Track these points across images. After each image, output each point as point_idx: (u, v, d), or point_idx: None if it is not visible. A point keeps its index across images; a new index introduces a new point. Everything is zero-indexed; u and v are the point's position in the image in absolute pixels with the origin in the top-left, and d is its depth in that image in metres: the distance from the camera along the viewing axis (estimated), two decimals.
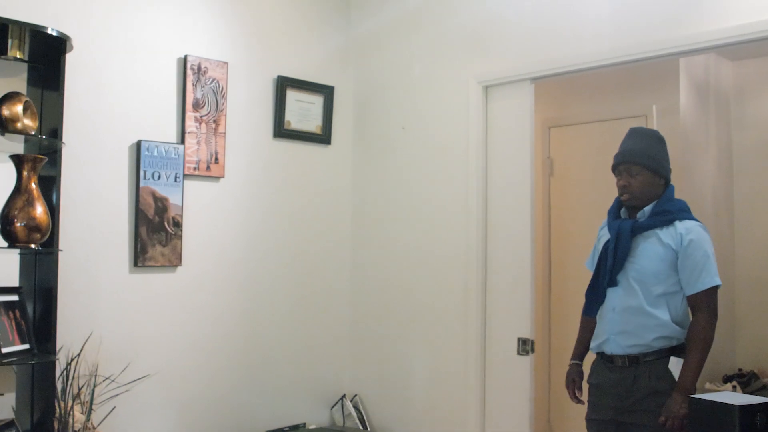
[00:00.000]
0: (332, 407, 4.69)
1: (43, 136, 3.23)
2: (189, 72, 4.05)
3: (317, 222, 4.69)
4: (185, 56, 4.05)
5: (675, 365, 3.13)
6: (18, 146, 3.26)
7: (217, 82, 4.16)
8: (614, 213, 3.44)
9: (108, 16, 3.78)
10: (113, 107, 3.79)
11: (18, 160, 3.12)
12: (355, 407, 4.64)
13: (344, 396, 4.68)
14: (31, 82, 3.39)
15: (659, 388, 3.14)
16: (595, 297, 3.41)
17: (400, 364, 4.51)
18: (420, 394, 4.40)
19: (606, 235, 3.40)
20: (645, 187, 3.29)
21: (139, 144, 3.84)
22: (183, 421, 4.00)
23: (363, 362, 4.75)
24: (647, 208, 3.31)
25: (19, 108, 3.10)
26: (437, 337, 4.31)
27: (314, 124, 4.67)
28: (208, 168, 4.12)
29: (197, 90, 4.08)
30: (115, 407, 3.65)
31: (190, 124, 4.05)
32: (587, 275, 3.50)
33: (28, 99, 3.16)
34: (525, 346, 3.88)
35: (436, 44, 4.43)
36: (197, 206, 4.09)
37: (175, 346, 3.98)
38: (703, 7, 3.32)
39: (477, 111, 4.15)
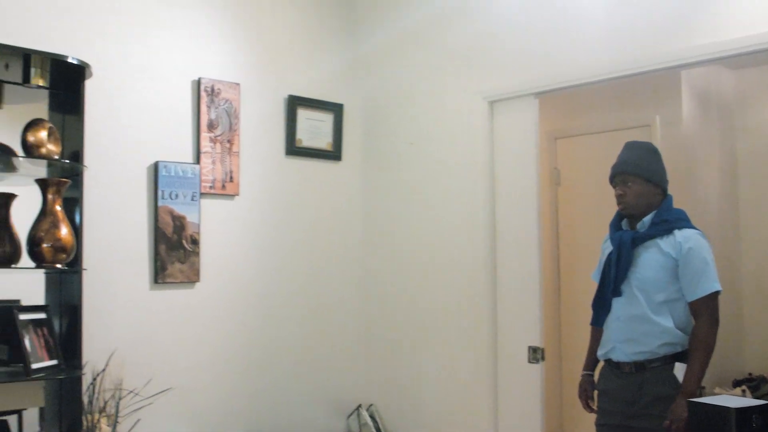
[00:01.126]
0: (348, 417, 4.77)
1: (66, 161, 3.35)
2: (203, 94, 4.17)
3: (329, 236, 4.79)
4: (199, 79, 4.17)
5: (680, 370, 3.21)
6: (41, 170, 3.36)
7: (230, 102, 4.28)
8: (615, 225, 3.54)
9: (124, 42, 3.91)
10: (131, 130, 3.92)
11: (43, 184, 3.24)
12: (371, 416, 4.71)
13: (360, 406, 4.76)
14: (53, 107, 3.50)
15: (664, 393, 3.21)
16: (601, 307, 3.49)
17: (413, 374, 4.60)
18: (433, 402, 4.48)
19: (609, 248, 3.48)
20: (641, 196, 3.38)
21: (156, 165, 3.96)
22: (204, 431, 4.10)
23: (377, 372, 4.84)
24: (646, 219, 3.39)
25: (43, 134, 3.21)
26: (449, 347, 4.40)
27: (325, 141, 4.77)
28: (223, 186, 4.24)
29: (211, 111, 4.20)
30: (139, 420, 3.74)
31: (205, 144, 4.17)
32: (596, 282, 3.60)
33: (51, 125, 3.27)
34: (535, 354, 3.95)
35: (442, 61, 4.52)
36: (214, 224, 4.19)
37: (195, 359, 4.09)
38: (703, 20, 3.39)
39: (483, 125, 4.24)
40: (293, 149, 4.60)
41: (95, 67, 3.49)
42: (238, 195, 4.31)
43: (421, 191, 4.60)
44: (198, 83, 4.17)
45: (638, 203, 3.39)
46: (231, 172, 4.27)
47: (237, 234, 4.33)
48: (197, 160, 4.14)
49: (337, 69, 4.92)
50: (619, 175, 3.44)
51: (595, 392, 3.56)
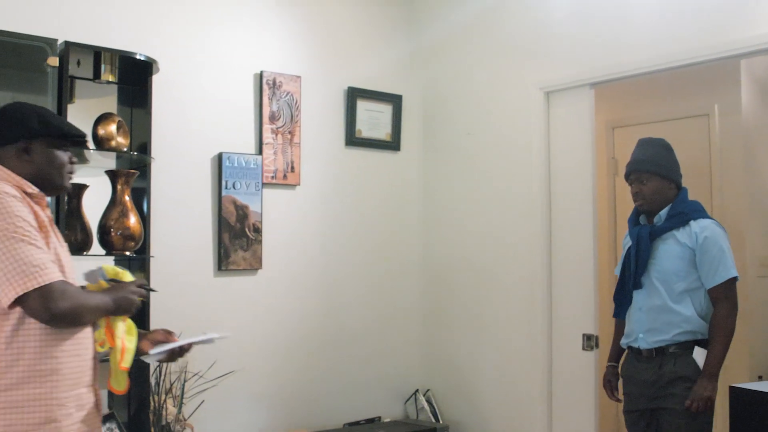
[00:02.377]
0: (406, 401, 4.85)
1: (134, 153, 3.50)
2: (265, 86, 4.28)
3: (388, 224, 4.86)
4: (261, 72, 4.28)
5: (699, 355, 3.29)
6: (111, 161, 3.51)
7: (291, 95, 4.39)
8: (633, 221, 3.63)
9: (189, 38, 4.04)
10: (196, 122, 4.05)
11: (113, 175, 3.40)
12: (428, 401, 4.78)
13: (417, 390, 4.83)
14: (121, 101, 3.66)
15: (683, 373, 3.31)
16: (622, 300, 3.60)
17: (470, 360, 4.66)
18: (489, 388, 4.54)
19: (629, 243, 3.59)
20: (656, 192, 3.49)
21: (220, 156, 4.09)
22: (266, 413, 4.23)
23: (435, 358, 4.91)
24: (663, 212, 3.49)
25: (113, 127, 3.37)
26: (505, 333, 4.45)
27: (384, 132, 4.85)
28: (284, 176, 4.34)
29: (273, 103, 4.31)
30: (203, 401, 3.88)
31: (267, 136, 4.28)
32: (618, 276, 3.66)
33: (120, 119, 3.43)
34: (589, 341, 3.99)
35: (498, 52, 4.55)
36: (275, 213, 4.30)
37: (257, 343, 4.21)
38: (764, 8, 3.36)
39: (539, 116, 4.27)
40: (353, 140, 4.69)
41: (161, 63, 3.63)
42: (299, 185, 4.42)
43: (478, 180, 4.65)
44: (260, 76, 4.28)
45: (655, 199, 3.49)
46: (292, 162, 4.38)
47: (298, 223, 4.43)
48: (260, 151, 4.26)
49: (396, 60, 4.98)
50: (634, 173, 3.54)
51: (620, 382, 3.65)
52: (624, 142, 5.19)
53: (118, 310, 2.30)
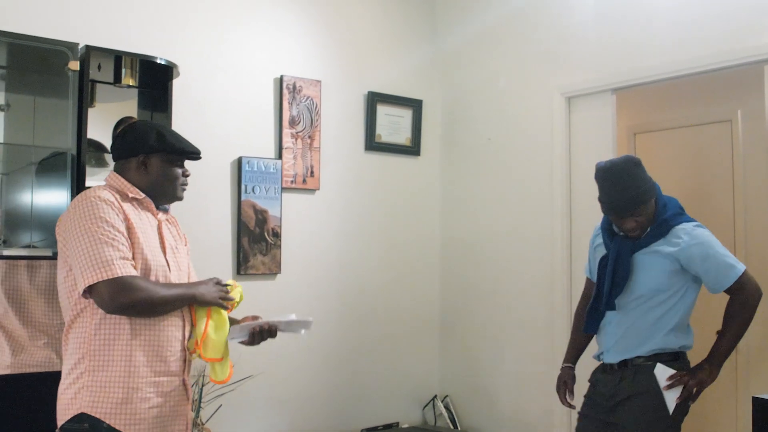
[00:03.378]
0: (424, 407, 4.84)
1: None
2: (285, 91, 4.28)
3: (408, 230, 4.86)
4: (281, 76, 4.28)
5: (661, 372, 3.08)
6: None
7: (311, 99, 4.38)
8: (609, 230, 3.28)
9: (209, 42, 4.04)
10: (215, 126, 4.05)
11: None
12: (446, 407, 4.77)
13: (435, 396, 4.83)
14: (141, 105, 3.66)
15: (639, 389, 3.10)
16: (595, 317, 3.30)
17: (490, 366, 4.65)
18: (508, 395, 4.52)
19: (602, 249, 3.27)
20: (649, 216, 3.12)
21: (240, 160, 4.09)
22: (284, 418, 4.23)
23: (453, 364, 4.89)
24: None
25: None
26: (525, 339, 4.44)
27: (404, 137, 4.84)
28: (304, 181, 4.34)
29: (293, 108, 4.30)
30: (221, 405, 3.88)
31: (287, 140, 4.28)
32: (589, 277, 3.49)
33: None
34: None
35: (519, 57, 4.54)
36: (294, 217, 4.30)
37: (275, 348, 4.12)
38: None
39: (560, 121, 4.26)
40: (373, 144, 4.69)
41: (181, 67, 3.63)
42: (318, 189, 4.41)
43: (498, 186, 4.64)
44: (280, 80, 4.28)
45: (649, 222, 3.13)
46: (312, 167, 4.37)
47: (317, 228, 4.43)
48: (279, 156, 4.26)
49: (417, 65, 4.97)
50: (628, 215, 3.12)
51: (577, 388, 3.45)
52: (646, 148, 5.16)
53: (196, 300, 2.58)
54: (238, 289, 2.78)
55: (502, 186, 4.61)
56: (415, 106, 4.87)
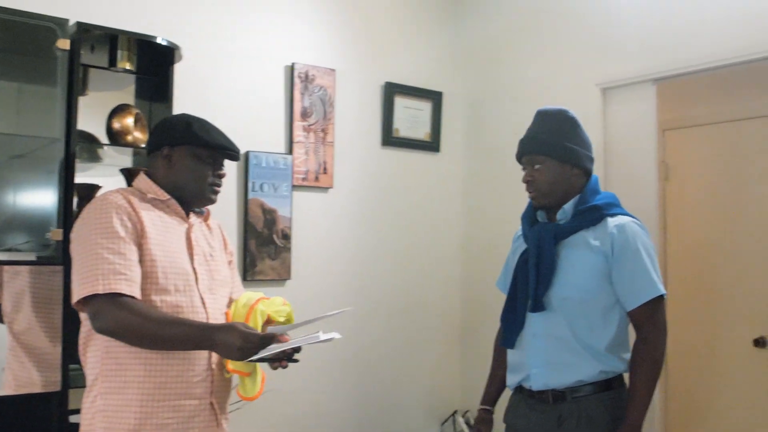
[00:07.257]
0: (443, 423, 4.63)
1: None
2: (296, 80, 3.99)
3: (427, 232, 4.62)
4: (292, 64, 4.01)
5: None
6: (127, 159, 3.23)
7: (325, 89, 4.10)
8: (530, 218, 2.82)
9: (215, 25, 3.78)
10: (221, 117, 3.67)
11: (128, 174, 3.10)
12: (467, 423, 4.57)
13: (456, 412, 4.61)
14: (139, 94, 3.37)
15: (589, 430, 2.57)
16: (513, 324, 2.75)
17: None
18: None
19: (522, 246, 2.80)
20: (554, 180, 2.66)
21: (247, 155, 3.81)
22: None
23: (475, 377, 4.60)
24: (567, 206, 2.68)
25: (129, 120, 3.09)
26: None
27: (423, 132, 4.57)
28: (316, 178, 4.07)
29: (305, 98, 4.02)
30: (232, 421, 3.62)
31: (298, 134, 4.00)
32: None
33: (138, 111, 3.15)
34: None
35: (551, 46, 4.30)
36: (306, 218, 4.06)
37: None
38: None
39: (595, 115, 3.99)
40: (390, 139, 4.42)
41: (185, 51, 3.34)
42: (331, 187, 4.16)
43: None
44: (291, 69, 4.01)
45: (552, 190, 2.68)
46: (325, 163, 4.10)
47: (330, 229, 4.19)
48: (290, 151, 3.99)
49: (437, 55, 4.73)
50: (526, 155, 2.72)
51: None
52: (677, 146, 4.87)
53: (212, 350, 2.24)
54: (286, 309, 2.64)
55: None
56: (434, 98, 4.60)
